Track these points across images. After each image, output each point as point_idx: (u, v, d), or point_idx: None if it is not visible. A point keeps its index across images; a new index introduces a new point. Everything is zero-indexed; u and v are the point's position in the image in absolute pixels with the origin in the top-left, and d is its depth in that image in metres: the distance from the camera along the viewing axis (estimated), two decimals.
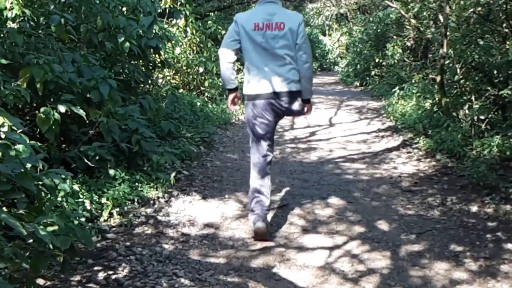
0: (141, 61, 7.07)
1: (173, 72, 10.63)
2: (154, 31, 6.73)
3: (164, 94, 7.46)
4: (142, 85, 7.19)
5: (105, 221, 4.45)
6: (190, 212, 4.92)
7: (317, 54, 27.68)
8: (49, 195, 3.00)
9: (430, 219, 4.75)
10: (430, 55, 15.01)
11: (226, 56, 4.24)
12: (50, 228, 2.34)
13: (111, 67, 6.04)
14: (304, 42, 4.20)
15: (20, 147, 3.53)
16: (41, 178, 2.53)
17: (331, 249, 4.13)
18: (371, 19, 19.04)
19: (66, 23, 5.12)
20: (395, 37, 16.43)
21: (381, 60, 16.23)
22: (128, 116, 5.52)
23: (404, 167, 6.66)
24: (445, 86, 7.92)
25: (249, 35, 4.16)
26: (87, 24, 5.77)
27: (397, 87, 12.64)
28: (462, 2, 8.44)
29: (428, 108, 9.30)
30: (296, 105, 4.34)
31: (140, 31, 6.21)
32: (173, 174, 5.54)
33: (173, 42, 9.44)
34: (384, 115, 11.06)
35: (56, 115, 4.25)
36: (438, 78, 7.83)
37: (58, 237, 2.45)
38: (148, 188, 5.22)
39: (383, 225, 4.61)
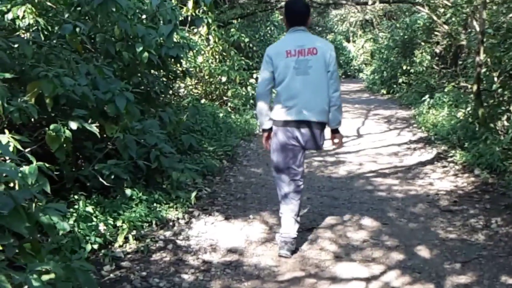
0: (161, 71, 6.77)
1: (195, 81, 10.32)
2: (174, 40, 6.42)
3: (186, 105, 7.13)
4: (162, 97, 6.88)
5: (120, 246, 4.10)
6: (212, 235, 4.56)
7: (341, 61, 27.28)
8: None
9: (475, 245, 4.31)
10: (460, 62, 14.52)
11: (263, 93, 4.20)
12: (45, 277, 1.99)
13: (129, 79, 5.74)
14: (335, 70, 4.12)
15: (26, 169, 3.23)
16: (37, 216, 2.18)
17: (368, 280, 3.73)
18: (397, 25, 18.56)
19: (81, 33, 4.83)
20: (423, 43, 15.94)
21: (408, 67, 15.75)
22: (146, 130, 5.19)
23: (440, 183, 6.22)
24: (481, 95, 7.45)
25: (282, 62, 4.07)
26: (104, 34, 5.48)
27: (427, 96, 12.18)
28: (495, 7, 8.02)
29: (462, 118, 8.84)
30: (320, 137, 4.24)
31: (160, 40, 5.88)
32: (194, 194, 5.18)
33: (195, 50, 9.13)
34: (415, 125, 10.60)
35: (67, 133, 3.93)
36: (474, 87, 7.37)
37: (56, 286, 2.10)
38: (168, 208, 4.88)
39: (423, 252, 4.18)
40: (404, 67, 15.98)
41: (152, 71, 6.56)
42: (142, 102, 6.22)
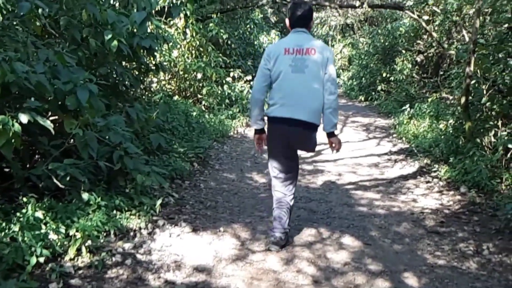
0: (133, 63, 6.26)
1: (169, 76, 9.80)
2: (148, 30, 5.92)
3: (157, 101, 6.62)
4: (132, 91, 6.37)
5: (71, 260, 3.58)
6: (177, 249, 4.07)
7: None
8: None
9: (467, 274, 3.90)
10: (442, 73, 14.29)
11: (258, 91, 4.19)
12: None
13: (95, 69, 5.23)
14: (332, 73, 4.09)
15: None
16: None
17: None
18: (379, 31, 18.27)
19: (43, 15, 4.31)
20: (404, 51, 15.66)
21: (388, 75, 15.46)
22: (111, 127, 4.68)
23: (425, 200, 5.83)
24: (469, 108, 7.10)
25: (279, 59, 4.08)
26: (69, 17, 4.96)
27: (407, 105, 11.88)
28: (488, 17, 7.70)
29: (445, 131, 8.51)
30: (311, 140, 4.21)
31: (132, 29, 5.37)
32: (159, 201, 4.67)
33: (170, 44, 8.63)
34: (395, 135, 10.25)
35: (16, 126, 3.42)
36: (462, 100, 7.00)
37: None
38: (129, 216, 4.38)
39: (411, 280, 3.76)
40: (384, 75, 15.71)
41: (123, 62, 6.07)
42: (108, 96, 5.71)
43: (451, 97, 11.71)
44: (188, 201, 5.30)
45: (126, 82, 5.91)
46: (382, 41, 17.49)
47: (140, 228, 4.30)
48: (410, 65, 14.85)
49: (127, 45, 5.17)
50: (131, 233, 4.22)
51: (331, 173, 7.04)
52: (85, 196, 4.11)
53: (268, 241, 4.27)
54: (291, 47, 4.08)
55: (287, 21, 4.30)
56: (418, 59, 15.30)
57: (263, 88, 4.17)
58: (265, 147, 4.40)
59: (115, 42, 4.98)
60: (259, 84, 4.17)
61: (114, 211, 4.29)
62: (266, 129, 4.28)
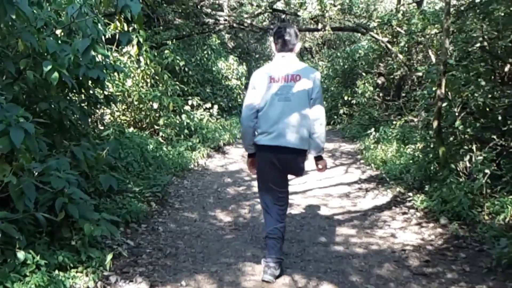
0: (82, 95, 5.70)
1: (124, 107, 9.20)
2: (97, 59, 5.37)
3: (109, 137, 6.01)
4: (81, 126, 5.77)
5: None
6: None
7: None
8: None
9: None
10: (404, 94, 14.11)
11: (247, 119, 4.18)
12: None
13: (33, 105, 4.65)
14: (318, 97, 4.10)
15: None
16: None
17: None
18: (338, 54, 18.08)
19: None
20: (364, 74, 15.45)
21: (350, 98, 15.17)
22: (51, 171, 4.09)
23: (404, 234, 5.38)
24: (442, 132, 6.74)
25: (265, 87, 4.10)
26: (3, 48, 4.38)
27: (372, 129, 11.56)
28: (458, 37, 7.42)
29: (412, 155, 8.17)
30: (299, 165, 4.21)
31: (74, 58, 4.81)
32: (109, 256, 4.06)
33: (122, 73, 8.07)
34: (362, 161, 9.86)
35: None
36: (435, 124, 6.64)
37: None
38: (75, 274, 3.77)
39: None
40: (346, 98, 15.41)
41: (70, 95, 5.50)
42: (52, 133, 5.13)
43: (415, 119, 11.46)
44: (145, 249, 4.70)
45: (73, 117, 5.33)
46: (341, 64, 17.32)
47: None
48: (371, 88, 14.60)
49: (69, 76, 4.60)
50: None
51: (300, 206, 6.54)
52: (20, 255, 3.49)
53: (264, 271, 4.13)
54: (277, 75, 4.09)
55: (272, 45, 4.29)
56: (379, 81, 15.10)
57: (252, 116, 4.15)
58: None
59: (55, 74, 4.41)
60: (247, 112, 4.17)
61: (57, 271, 3.66)
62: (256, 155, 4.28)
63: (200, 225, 5.62)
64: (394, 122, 11.71)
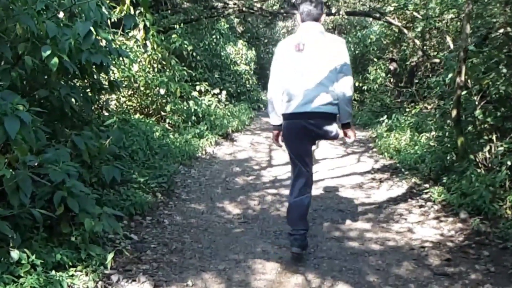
0: (85, 81, 5.46)
1: (130, 93, 8.94)
2: (99, 44, 5.10)
3: (113, 125, 5.75)
4: (84, 114, 5.51)
5: None
6: None
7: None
8: None
9: None
10: (416, 81, 13.78)
11: (274, 89, 4.25)
12: None
13: (32, 92, 4.41)
14: (345, 64, 4.10)
15: None
16: None
17: None
18: (349, 39, 17.70)
19: None
20: (376, 59, 15.10)
21: (361, 84, 14.82)
22: (49, 163, 3.85)
23: (422, 229, 5.11)
24: (461, 122, 6.44)
25: (290, 56, 4.16)
26: (0, 32, 4.12)
27: (384, 116, 11.24)
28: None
29: (427, 143, 7.88)
30: (331, 128, 4.21)
31: (75, 43, 4.54)
32: (111, 255, 3.80)
33: (127, 58, 7.80)
34: (375, 149, 9.56)
35: None
36: (454, 113, 6.33)
37: None
38: (74, 273, 3.54)
39: None
40: (357, 84, 15.05)
41: (74, 81, 5.26)
42: (53, 122, 4.88)
43: (429, 107, 11.15)
44: (149, 244, 4.46)
45: (75, 104, 5.08)
46: (352, 49, 16.94)
47: None
48: (383, 74, 14.26)
49: (71, 62, 4.35)
50: None
51: (312, 198, 6.26)
52: (14, 254, 3.25)
53: (291, 244, 4.22)
54: (302, 44, 4.12)
55: (298, 16, 4.32)
56: (392, 68, 14.76)
57: (278, 85, 4.22)
58: (282, 143, 4.46)
59: (55, 59, 4.15)
60: (273, 81, 4.25)
61: (54, 270, 3.42)
62: (282, 125, 4.31)
63: (208, 217, 5.38)
64: (407, 110, 11.40)
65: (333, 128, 4.21)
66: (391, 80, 14.44)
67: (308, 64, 4.08)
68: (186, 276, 3.86)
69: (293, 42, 4.17)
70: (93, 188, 4.90)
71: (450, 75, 7.29)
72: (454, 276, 3.98)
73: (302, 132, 4.17)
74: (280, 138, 4.43)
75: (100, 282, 3.58)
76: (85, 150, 4.51)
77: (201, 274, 3.92)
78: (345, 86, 4.09)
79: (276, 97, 4.23)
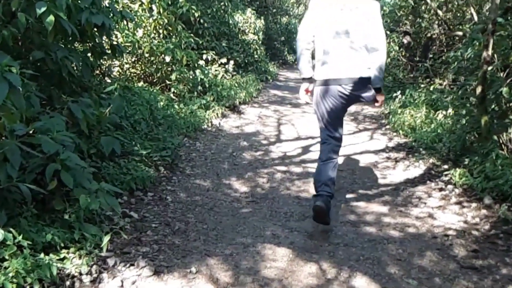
0: (87, 44, 5.09)
1: (134, 59, 8.53)
2: (101, 3, 4.70)
3: (114, 93, 5.35)
4: (82, 79, 5.12)
5: None
6: None
7: (294, 46, 25.79)
8: None
9: None
10: (431, 55, 13.31)
11: (304, 40, 4.13)
12: None
13: (27, 53, 4.03)
14: (379, 28, 4.01)
15: None
16: None
17: None
18: None
19: None
20: (388, 32, 14.56)
21: None
22: (45, 131, 3.49)
23: (443, 215, 4.75)
24: (486, 100, 6.02)
25: (324, 17, 4.08)
26: None
27: (398, 92, 10.80)
28: None
29: (450, 124, 7.48)
30: (366, 92, 4.16)
31: (76, 1, 4.14)
32: (107, 238, 3.43)
33: (132, 21, 7.38)
34: (388, 126, 9.14)
35: None
36: (478, 90, 5.91)
37: None
38: (66, 256, 3.19)
39: None
40: None
41: (75, 44, 4.88)
42: (49, 86, 4.51)
43: (444, 83, 10.71)
44: (150, 224, 4.11)
45: (74, 69, 4.69)
46: None
47: (80, 274, 3.12)
48: (396, 47, 13.74)
49: (67, 20, 3.95)
50: (67, 283, 3.03)
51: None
52: None
53: (316, 200, 4.13)
54: (336, 3, 4.05)
55: None
56: (405, 41, 14.23)
57: (309, 37, 4.11)
58: (309, 99, 4.42)
59: (51, 17, 3.78)
60: (304, 33, 4.13)
61: (44, 253, 3.06)
62: (314, 90, 4.28)
63: (213, 195, 5.02)
64: (421, 86, 10.96)
65: (369, 92, 4.17)
66: (405, 54, 13.93)
67: (345, 25, 4.01)
68: (190, 261, 3.52)
69: (328, 1, 4.10)
70: (91, 160, 4.55)
71: (470, 49, 6.88)
72: (483, 270, 3.63)
73: (337, 98, 4.15)
74: (308, 94, 4.38)
75: (94, 266, 3.23)
76: (82, 119, 4.13)
77: (206, 259, 3.58)
78: (379, 49, 4.02)
79: (306, 49, 4.13)
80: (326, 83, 4.14)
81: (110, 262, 3.33)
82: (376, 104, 4.36)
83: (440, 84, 10.57)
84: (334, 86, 4.11)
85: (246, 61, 14.74)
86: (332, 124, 4.30)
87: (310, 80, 4.27)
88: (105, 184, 3.74)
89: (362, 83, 4.09)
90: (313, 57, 4.23)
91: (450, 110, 8.54)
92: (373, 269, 3.59)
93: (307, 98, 4.42)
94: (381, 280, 3.43)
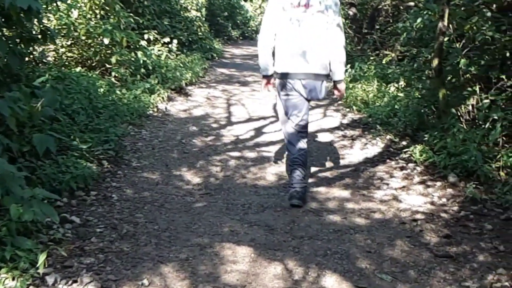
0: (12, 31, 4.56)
1: (70, 42, 7.95)
2: None
3: (46, 84, 4.84)
4: (11, 70, 4.59)
5: None
6: None
7: (238, 21, 25.30)
8: None
9: None
10: (378, 27, 13.16)
11: (265, 42, 4.24)
12: None
13: None
14: (336, 23, 4.14)
15: None
16: None
17: None
18: None
19: None
20: None
21: None
22: None
23: (408, 197, 4.53)
24: (443, 72, 5.82)
25: (285, 11, 4.12)
26: None
27: (348, 65, 10.57)
28: None
29: (396, 95, 7.32)
30: (321, 89, 4.28)
31: None
32: (43, 255, 2.98)
33: (65, 2, 6.83)
34: (340, 101, 8.88)
35: None
36: (435, 62, 5.71)
37: None
38: None
39: None
40: None
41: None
42: None
43: (393, 55, 10.56)
44: (94, 228, 3.69)
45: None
46: None
47: None
48: (343, 19, 13.52)
49: None
50: None
51: (281, 161, 5.58)
52: None
53: (292, 196, 4.26)
54: (296, 0, 4.09)
55: None
56: (351, 13, 14.01)
57: (269, 36, 4.21)
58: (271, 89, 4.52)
59: None
60: (265, 31, 4.23)
61: None
62: (275, 83, 4.37)
63: (164, 189, 4.63)
64: (370, 58, 10.78)
65: (324, 89, 4.31)
66: (351, 26, 13.72)
67: (300, 22, 4.08)
68: (141, 270, 3.14)
69: (289, 0, 4.12)
70: (24, 160, 4.08)
71: (419, 20, 6.69)
72: (458, 258, 3.42)
73: (295, 91, 4.24)
74: (269, 86, 4.45)
75: (31, 287, 2.82)
76: (10, 116, 3.65)
77: (159, 266, 3.21)
78: (338, 43, 4.15)
79: (267, 47, 4.23)
80: (286, 77, 4.21)
81: (50, 280, 2.91)
82: (336, 93, 4.49)
83: (392, 57, 10.42)
84: (293, 81, 4.21)
85: (190, 39, 14.22)
86: (294, 109, 4.35)
87: (270, 77, 4.38)
88: (40, 189, 3.30)
89: (319, 79, 4.20)
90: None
91: (401, 83, 8.39)
92: (343, 265, 3.32)
93: (268, 90, 4.54)
94: (352, 277, 3.16)
